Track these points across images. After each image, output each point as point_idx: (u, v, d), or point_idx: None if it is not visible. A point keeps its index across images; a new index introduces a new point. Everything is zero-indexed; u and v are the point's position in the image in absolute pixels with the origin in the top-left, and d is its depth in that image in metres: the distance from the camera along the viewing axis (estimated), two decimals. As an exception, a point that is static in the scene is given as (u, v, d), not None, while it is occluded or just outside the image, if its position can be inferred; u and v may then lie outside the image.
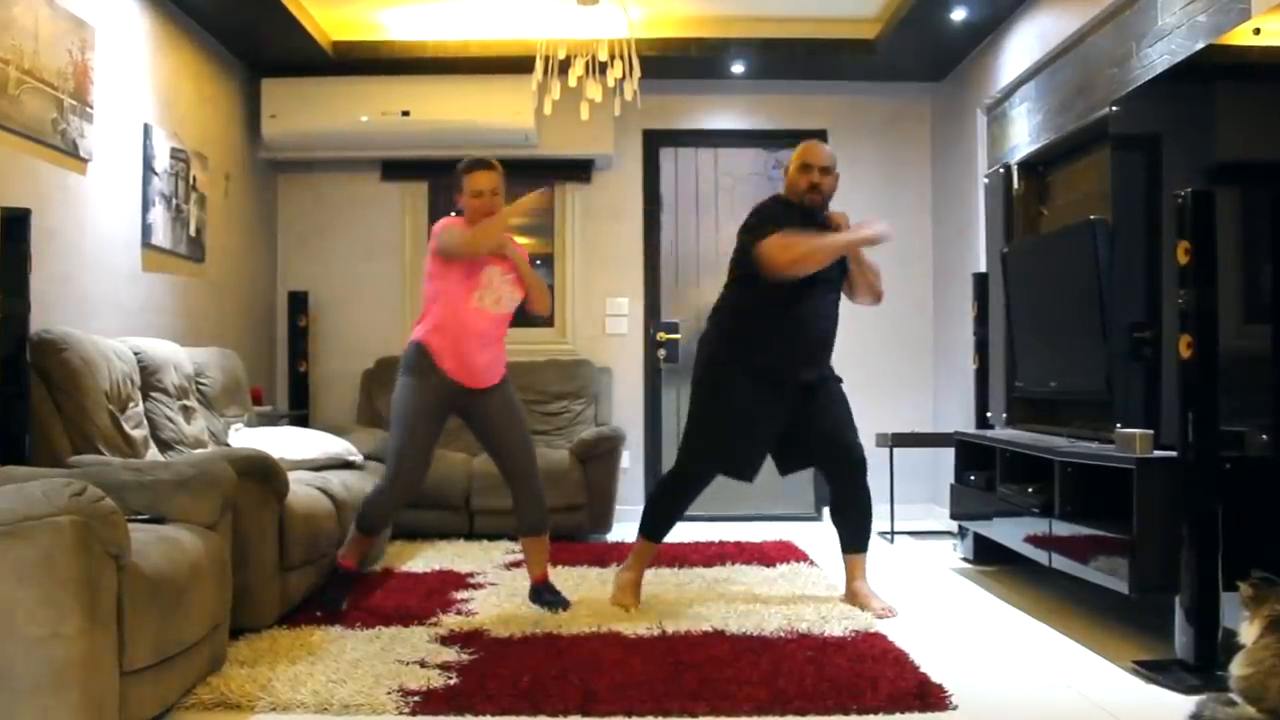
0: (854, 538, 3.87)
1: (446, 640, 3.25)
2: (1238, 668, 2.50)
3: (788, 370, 3.72)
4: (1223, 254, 2.92)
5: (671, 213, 6.46)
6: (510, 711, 2.60)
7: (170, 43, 4.88)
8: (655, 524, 3.84)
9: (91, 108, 4.04)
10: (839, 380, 3.89)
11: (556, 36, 4.69)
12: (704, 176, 6.46)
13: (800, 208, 3.78)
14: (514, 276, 3.69)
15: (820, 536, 5.27)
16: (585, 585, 4.11)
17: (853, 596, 3.82)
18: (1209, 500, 2.87)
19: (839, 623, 3.47)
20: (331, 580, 3.74)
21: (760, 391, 3.70)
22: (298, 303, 6.08)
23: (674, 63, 5.83)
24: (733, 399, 3.71)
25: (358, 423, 5.84)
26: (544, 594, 3.74)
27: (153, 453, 3.79)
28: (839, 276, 3.86)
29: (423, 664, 2.97)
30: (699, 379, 3.82)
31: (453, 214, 3.78)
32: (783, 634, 3.33)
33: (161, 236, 4.68)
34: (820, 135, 6.34)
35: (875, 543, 5.34)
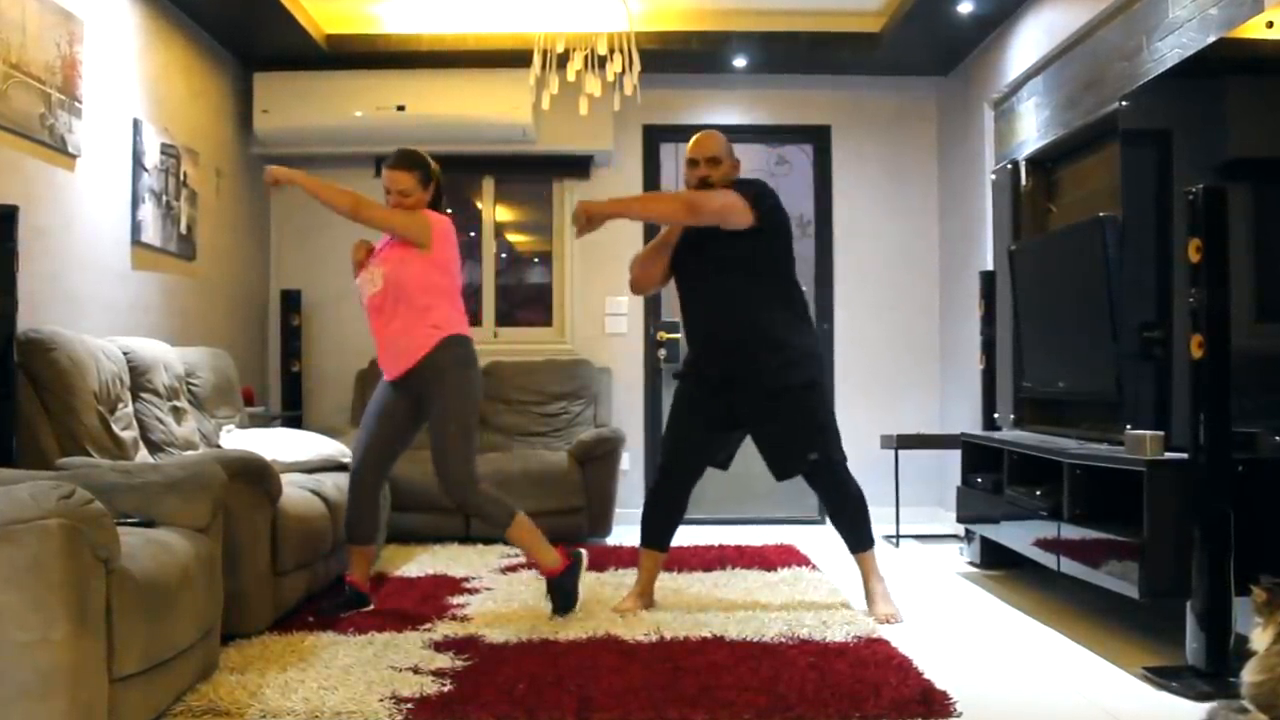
0: (850, 538, 3.86)
1: (440, 646, 3.25)
2: (1250, 674, 2.50)
3: (701, 364, 3.81)
4: (1235, 252, 2.92)
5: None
6: (505, 719, 2.60)
7: (160, 36, 4.88)
8: (646, 529, 3.89)
9: (80, 102, 4.05)
10: (801, 387, 3.71)
11: (555, 30, 4.70)
12: (705, 173, 6.45)
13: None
14: (384, 257, 3.68)
15: (823, 540, 5.27)
16: (583, 589, 4.09)
17: (866, 595, 3.82)
18: (1220, 503, 2.87)
19: (841, 628, 3.47)
20: (341, 596, 3.75)
21: (684, 389, 3.86)
22: (290, 301, 6.08)
23: (674, 56, 5.84)
24: (676, 393, 3.92)
25: (351, 424, 5.84)
26: (556, 589, 3.68)
27: (142, 454, 3.79)
28: (711, 255, 3.75)
29: (416, 670, 2.97)
30: None
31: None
32: (783, 639, 3.33)
33: (151, 234, 4.68)
34: (823, 131, 6.38)
35: (881, 547, 5.35)
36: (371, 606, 3.76)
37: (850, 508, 3.83)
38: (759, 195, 3.73)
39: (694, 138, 3.89)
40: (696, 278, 3.82)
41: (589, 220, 3.71)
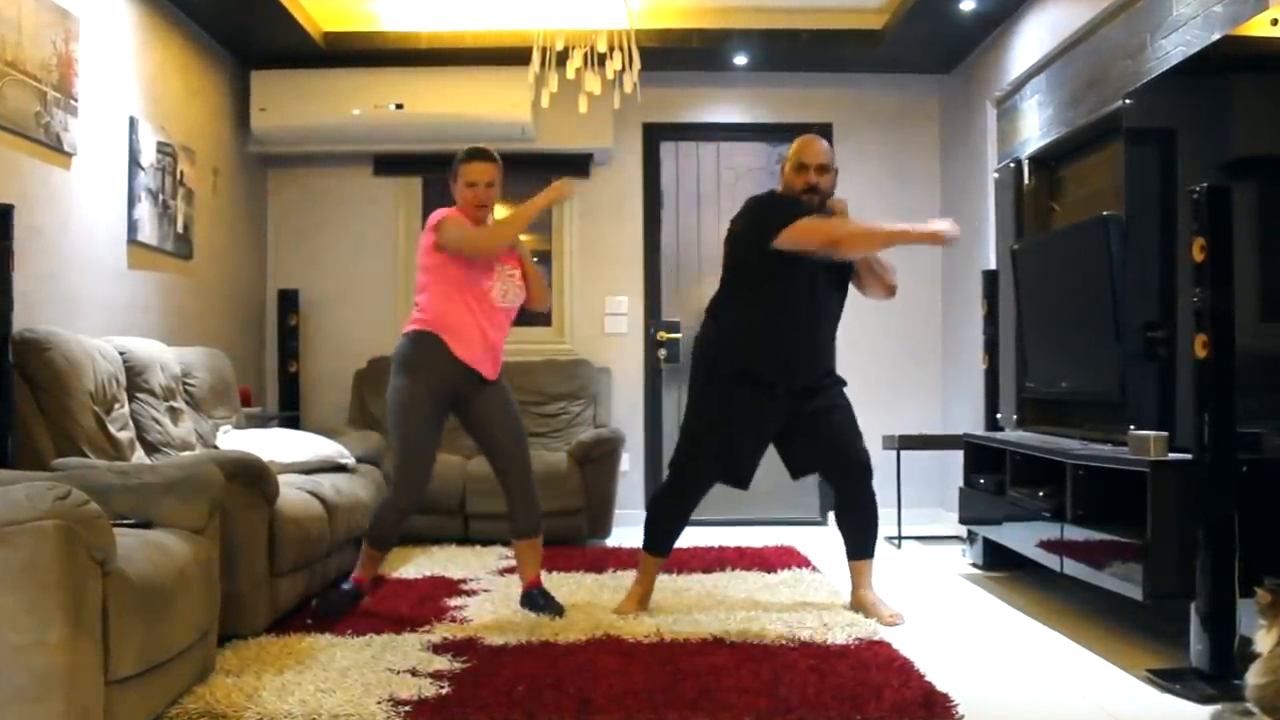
0: (859, 544, 3.87)
1: (439, 648, 3.25)
2: (1254, 676, 2.50)
3: (783, 373, 3.69)
4: (1239, 251, 2.92)
5: (672, 208, 6.46)
6: (505, 721, 2.60)
7: (157, 33, 4.88)
8: (654, 536, 3.84)
9: (76, 100, 4.05)
10: (842, 383, 3.86)
11: (554, 27, 4.70)
12: (705, 171, 6.46)
13: (802, 204, 3.73)
14: (519, 273, 3.72)
15: (824, 542, 5.27)
16: (582, 591, 4.11)
17: (859, 604, 3.82)
18: (1225, 504, 2.87)
19: (842, 630, 3.47)
20: (342, 594, 3.74)
21: (753, 395, 3.68)
22: (288, 301, 6.08)
23: (675, 54, 5.84)
24: (727, 403, 3.70)
25: (350, 424, 5.85)
26: (537, 599, 3.75)
27: (139, 455, 3.79)
28: (839, 276, 3.82)
29: (414, 672, 2.97)
30: (696, 381, 3.80)
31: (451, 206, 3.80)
32: (784, 641, 3.33)
33: (148, 233, 4.68)
34: (825, 129, 6.36)
35: (882, 548, 5.36)
36: (365, 598, 3.79)
37: (869, 510, 3.87)
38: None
39: (801, 140, 3.76)
40: (804, 287, 3.69)
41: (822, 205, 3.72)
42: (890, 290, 3.90)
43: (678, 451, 3.82)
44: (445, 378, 3.63)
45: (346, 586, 3.76)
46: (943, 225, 3.65)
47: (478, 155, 3.72)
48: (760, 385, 3.67)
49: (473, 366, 3.65)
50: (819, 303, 3.74)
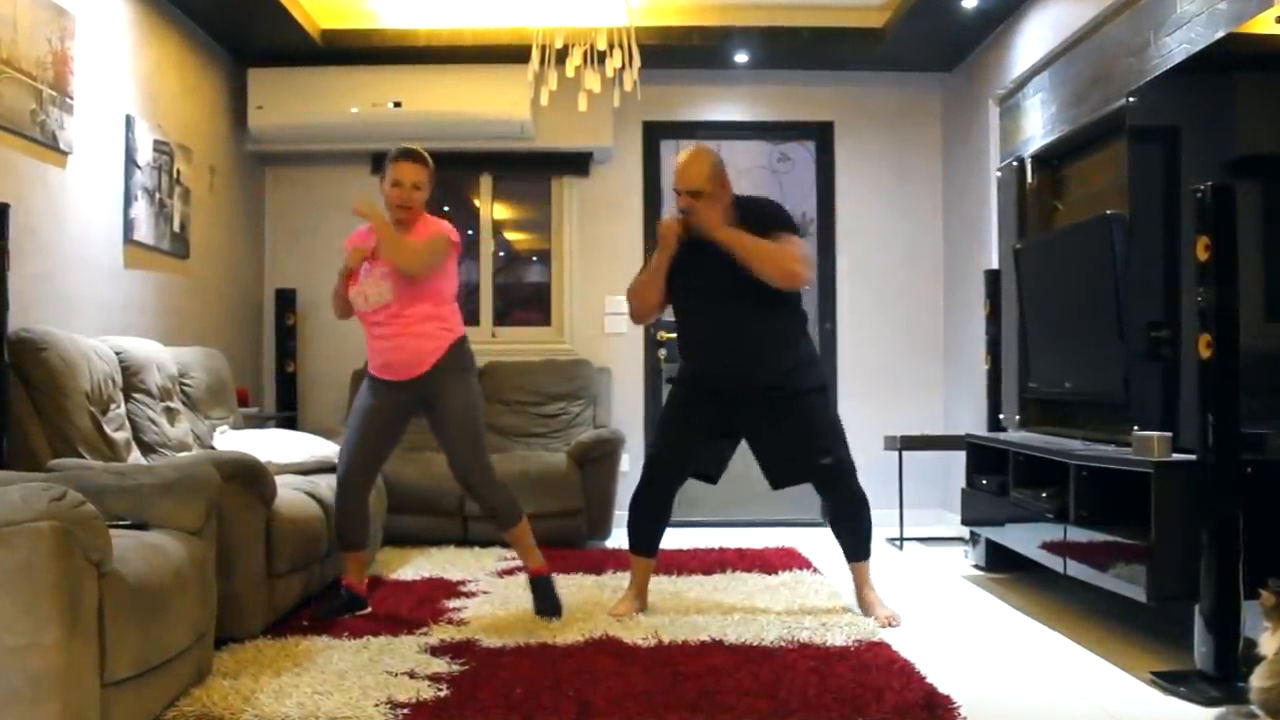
0: (851, 547, 3.87)
1: (437, 650, 3.25)
2: (1259, 679, 2.50)
3: (709, 377, 3.77)
4: (1244, 250, 2.92)
5: (672, 208, 6.45)
6: (504, 724, 2.61)
7: (153, 31, 4.88)
8: (632, 532, 3.89)
9: (72, 98, 4.05)
10: (812, 391, 3.75)
11: (554, 25, 4.70)
12: (706, 170, 6.45)
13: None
14: (383, 271, 3.66)
15: (825, 543, 5.26)
16: (581, 593, 4.11)
17: (860, 603, 3.83)
18: (1229, 505, 2.87)
19: (842, 632, 3.47)
20: (339, 600, 3.75)
21: (684, 396, 3.82)
22: (285, 301, 6.08)
23: (675, 52, 5.84)
24: (670, 399, 3.89)
25: (347, 425, 5.84)
26: (538, 587, 3.75)
27: (135, 456, 3.79)
28: (733, 281, 3.65)
29: (412, 675, 2.97)
30: None
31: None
32: (784, 643, 3.33)
33: (144, 232, 4.68)
34: (826, 127, 6.38)
35: (884, 549, 5.36)
36: (369, 610, 3.76)
37: (856, 513, 3.84)
38: (796, 226, 3.82)
39: (679, 157, 3.76)
40: (698, 292, 3.75)
41: (698, 228, 3.69)
42: (785, 276, 3.66)
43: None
44: (369, 391, 3.76)
45: (342, 591, 3.79)
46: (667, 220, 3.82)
47: (407, 155, 3.69)
48: (690, 385, 3.82)
49: (377, 373, 3.72)
50: (714, 309, 3.74)
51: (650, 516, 3.86)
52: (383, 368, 3.69)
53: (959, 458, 5.01)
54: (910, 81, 6.32)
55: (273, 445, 4.38)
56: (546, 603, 3.74)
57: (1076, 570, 3.54)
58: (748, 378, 3.71)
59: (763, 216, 3.72)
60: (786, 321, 3.77)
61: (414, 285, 3.62)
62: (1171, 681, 2.94)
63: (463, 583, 4.34)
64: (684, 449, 3.82)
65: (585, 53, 4.72)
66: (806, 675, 2.96)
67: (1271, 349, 3.11)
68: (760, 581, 4.36)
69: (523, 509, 3.80)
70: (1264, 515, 2.91)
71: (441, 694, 2.80)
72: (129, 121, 4.57)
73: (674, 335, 6.25)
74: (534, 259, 6.66)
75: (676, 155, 3.81)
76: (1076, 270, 4.20)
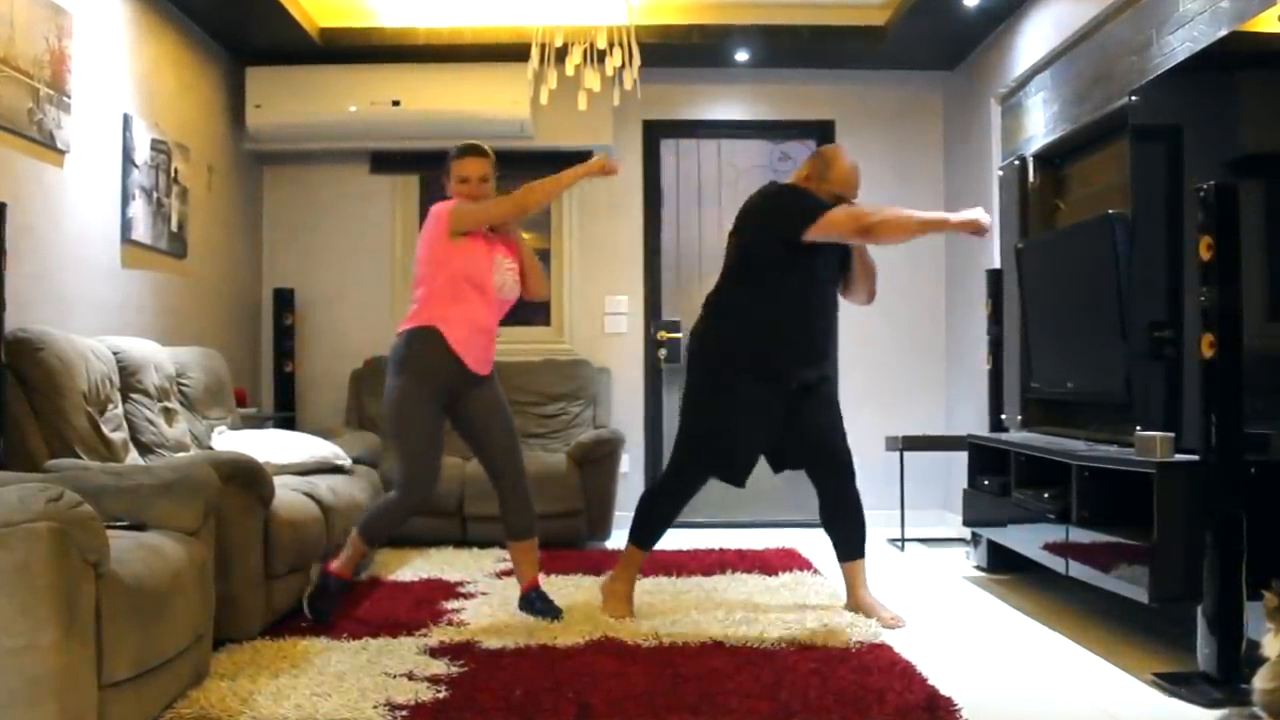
0: (850, 545, 3.87)
1: (436, 652, 3.25)
2: (1262, 681, 2.50)
3: (789, 370, 3.72)
4: (1246, 250, 2.92)
5: (672, 207, 6.46)
6: (504, 726, 2.61)
7: (151, 30, 4.88)
8: (647, 531, 3.84)
9: (69, 97, 4.05)
10: (833, 381, 3.93)
11: (553, 23, 4.70)
12: (706, 169, 6.46)
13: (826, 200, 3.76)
14: (516, 267, 3.75)
15: (826, 544, 5.26)
16: (580, 594, 4.11)
17: (858, 606, 3.82)
18: (1232, 506, 2.87)
19: (842, 633, 3.47)
20: (323, 589, 3.69)
21: (760, 392, 3.69)
22: (284, 300, 6.08)
23: (675, 50, 5.84)
24: (734, 399, 3.70)
25: (346, 425, 5.85)
26: (535, 602, 3.75)
27: (133, 456, 3.79)
28: (839, 273, 3.87)
29: (411, 676, 2.97)
30: (698, 378, 3.80)
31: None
32: (784, 644, 3.33)
33: (142, 231, 4.68)
34: (827, 126, 6.38)
35: (885, 550, 5.37)
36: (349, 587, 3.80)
37: (854, 509, 3.86)
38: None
39: (851, 163, 3.83)
40: (817, 276, 3.76)
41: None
42: (871, 295, 3.96)
43: (679, 449, 3.82)
44: (442, 374, 3.61)
45: (330, 581, 3.69)
46: (977, 213, 3.71)
47: (470, 151, 3.74)
48: (770, 380, 3.69)
49: (467, 362, 3.63)
50: (825, 296, 3.80)
51: (671, 514, 3.84)
52: (477, 359, 3.65)
53: (960, 458, 5.01)
54: (911, 80, 6.32)
55: (271, 446, 4.38)
56: (546, 608, 3.73)
57: (1078, 571, 3.54)
58: (824, 368, 3.82)
59: (814, 202, 3.74)
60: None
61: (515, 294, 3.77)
62: (1174, 683, 2.95)
63: (461, 584, 4.34)
64: (757, 451, 3.79)
65: (585, 51, 4.73)
66: (807, 677, 2.96)
67: (1274, 349, 3.11)
68: (760, 583, 4.36)
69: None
70: (1267, 516, 2.90)
71: (440, 696, 2.80)
72: (126, 120, 4.57)
73: (674, 335, 6.27)
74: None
75: (841, 160, 3.82)
76: (1078, 270, 4.20)
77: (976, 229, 3.71)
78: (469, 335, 3.62)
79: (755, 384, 3.69)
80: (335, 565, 3.70)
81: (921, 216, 3.77)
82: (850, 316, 6.32)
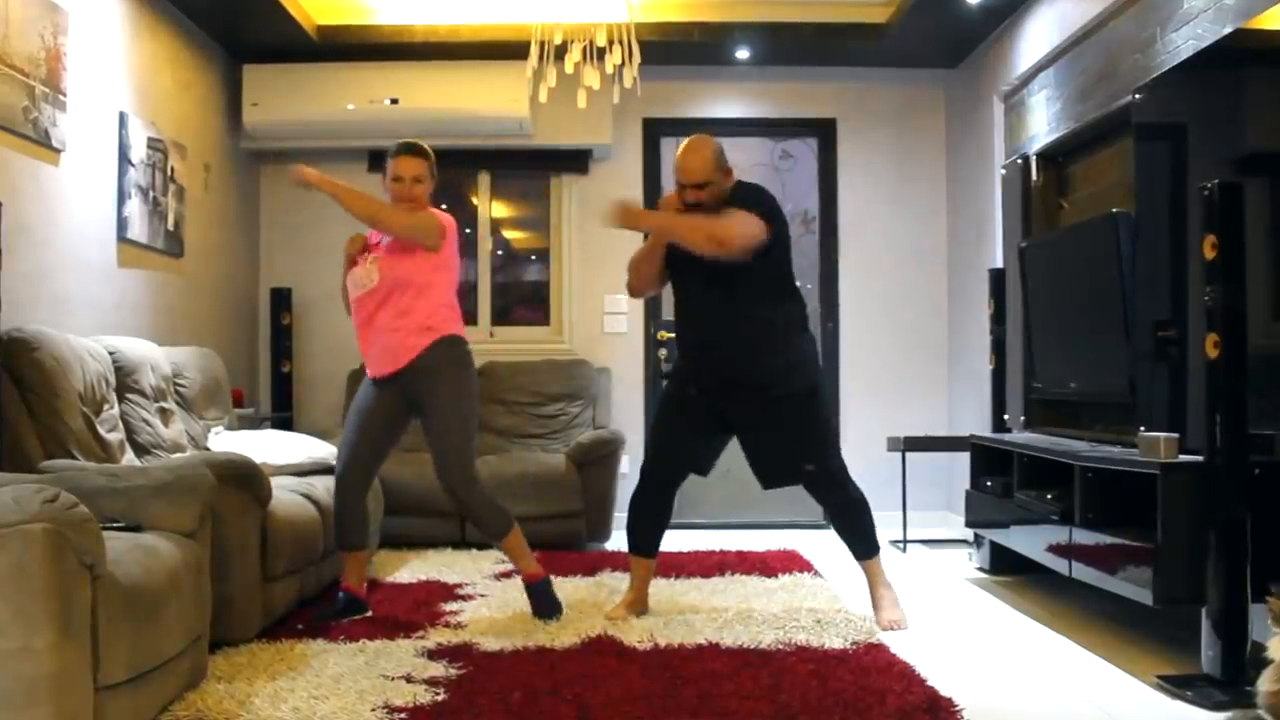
0: (855, 546, 3.87)
1: (434, 654, 3.25)
2: (1266, 683, 2.50)
3: (697, 374, 3.78)
4: (1251, 249, 2.92)
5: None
6: (502, 728, 2.61)
7: (147, 27, 4.88)
8: (631, 532, 3.89)
9: (64, 95, 4.05)
10: (800, 395, 3.71)
11: (552, 21, 4.70)
12: (707, 167, 6.45)
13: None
14: (379, 254, 3.71)
15: (827, 545, 5.27)
16: (579, 596, 4.11)
17: (871, 601, 3.83)
18: (1237, 507, 2.87)
19: (839, 635, 3.48)
20: (340, 604, 3.74)
21: (680, 392, 3.83)
22: (281, 300, 6.08)
23: (675, 48, 5.84)
24: (664, 396, 3.96)
25: (343, 426, 5.84)
26: (534, 597, 3.75)
27: (129, 457, 3.79)
28: (726, 276, 3.65)
29: (409, 679, 2.97)
30: None
31: None
32: (782, 646, 3.33)
33: (138, 230, 4.69)
34: (829, 124, 6.38)
35: (887, 552, 5.36)
36: (370, 613, 3.76)
37: (852, 514, 3.84)
38: (771, 212, 3.69)
39: (679, 151, 3.74)
40: (694, 282, 3.76)
41: (626, 223, 3.74)
42: (715, 243, 3.60)
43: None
44: (364, 388, 3.79)
45: (341, 596, 3.77)
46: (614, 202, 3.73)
47: (406, 150, 3.75)
48: (680, 380, 3.85)
49: (370, 370, 3.74)
50: (699, 303, 3.76)
51: (650, 517, 3.87)
52: (367, 361, 3.75)
53: (963, 459, 5.01)
54: (914, 78, 6.32)
55: (268, 446, 4.38)
56: (544, 606, 3.74)
57: (1082, 573, 3.54)
58: (737, 375, 3.71)
59: (743, 201, 3.69)
60: (781, 320, 3.72)
61: (402, 275, 3.64)
62: (1178, 685, 2.95)
63: (460, 585, 4.34)
64: (678, 447, 3.84)
65: (585, 49, 4.73)
66: (807, 679, 2.96)
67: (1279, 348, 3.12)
68: (759, 584, 4.36)
69: (513, 519, 3.76)
70: (1271, 517, 2.91)
71: (439, 698, 2.80)
72: (122, 119, 4.57)
73: (673, 335, 6.27)
74: (533, 258, 6.66)
75: (678, 149, 3.79)
76: (1082, 269, 4.20)
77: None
78: (360, 344, 3.77)
79: (671, 383, 3.94)
80: (346, 585, 3.80)
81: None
82: (852, 317, 6.35)
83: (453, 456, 3.65)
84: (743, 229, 3.58)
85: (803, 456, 3.73)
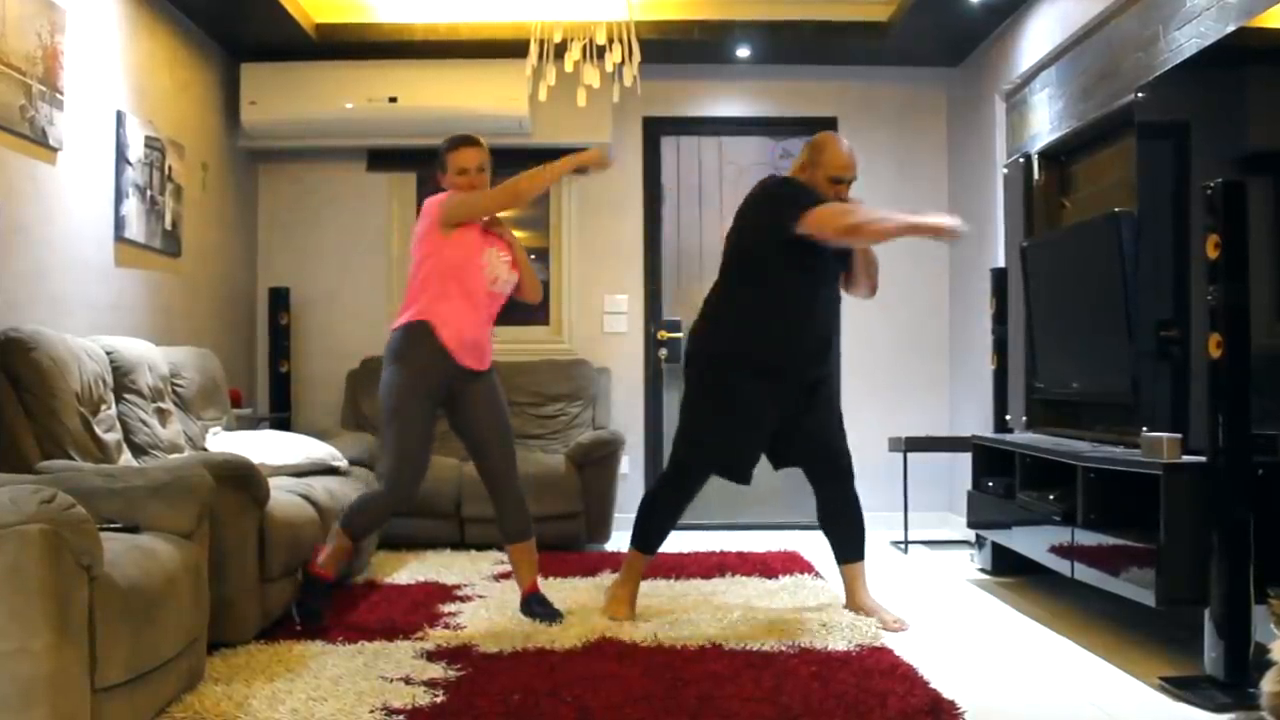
0: (849, 546, 3.88)
1: (433, 656, 3.25)
2: (1270, 684, 2.50)
3: (793, 368, 3.73)
4: (1254, 248, 2.92)
5: (673, 205, 6.46)
6: (502, 730, 2.61)
7: (145, 25, 4.88)
8: (649, 534, 3.84)
9: (62, 94, 4.05)
10: (835, 381, 3.93)
11: (552, 19, 4.70)
12: (707, 166, 6.47)
13: (818, 193, 3.74)
14: (510, 259, 3.74)
15: (828, 547, 5.26)
16: (578, 597, 4.11)
17: (858, 608, 3.83)
18: (1240, 508, 2.87)
19: (842, 636, 3.48)
20: (307, 592, 3.65)
21: (763, 390, 3.70)
22: (279, 299, 6.08)
23: (675, 46, 5.84)
24: (736, 397, 3.71)
25: (342, 426, 5.85)
26: (534, 605, 3.75)
27: (126, 457, 3.79)
28: (839, 266, 3.87)
29: (408, 681, 2.97)
30: (698, 378, 3.81)
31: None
32: (783, 648, 3.34)
33: (135, 230, 4.69)
34: (830, 123, 6.37)
35: (889, 553, 5.37)
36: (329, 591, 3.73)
37: (854, 511, 3.88)
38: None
39: (837, 145, 3.79)
40: (822, 282, 3.79)
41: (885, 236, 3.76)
42: (873, 289, 3.98)
43: (679, 449, 3.83)
44: (434, 370, 3.60)
45: (315, 582, 3.65)
46: (950, 220, 3.68)
47: (465, 141, 3.74)
48: (773, 378, 3.70)
49: (459, 357, 3.61)
50: (824, 291, 3.80)
51: (673, 516, 3.85)
52: (469, 354, 3.64)
53: (964, 460, 5.01)
54: (915, 77, 6.32)
55: (266, 447, 4.38)
56: (545, 612, 3.73)
57: (1084, 574, 3.54)
58: (824, 365, 3.82)
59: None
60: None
61: (510, 284, 3.75)
62: (1181, 687, 2.95)
63: (459, 587, 4.34)
64: (760, 448, 3.81)
65: (584, 47, 4.73)
66: (808, 680, 2.96)
67: (1283, 349, 3.12)
68: (761, 585, 4.36)
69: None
70: (1274, 518, 2.91)
71: (438, 700, 2.80)
72: (120, 117, 4.57)
73: (674, 335, 6.27)
74: (532, 257, 6.64)
75: (833, 143, 3.81)
76: (1084, 269, 4.20)
77: (942, 233, 3.70)
78: (460, 329, 3.61)
79: (756, 382, 3.69)
80: (320, 562, 3.66)
81: (901, 221, 3.70)
82: (852, 316, 6.33)
83: (514, 450, 3.80)
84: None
85: (845, 438, 3.87)
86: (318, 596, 3.65)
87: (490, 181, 3.75)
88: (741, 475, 3.79)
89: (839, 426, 3.88)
